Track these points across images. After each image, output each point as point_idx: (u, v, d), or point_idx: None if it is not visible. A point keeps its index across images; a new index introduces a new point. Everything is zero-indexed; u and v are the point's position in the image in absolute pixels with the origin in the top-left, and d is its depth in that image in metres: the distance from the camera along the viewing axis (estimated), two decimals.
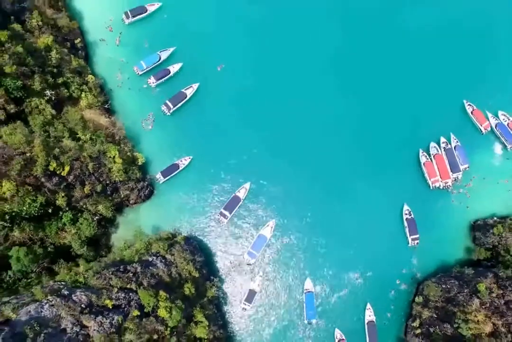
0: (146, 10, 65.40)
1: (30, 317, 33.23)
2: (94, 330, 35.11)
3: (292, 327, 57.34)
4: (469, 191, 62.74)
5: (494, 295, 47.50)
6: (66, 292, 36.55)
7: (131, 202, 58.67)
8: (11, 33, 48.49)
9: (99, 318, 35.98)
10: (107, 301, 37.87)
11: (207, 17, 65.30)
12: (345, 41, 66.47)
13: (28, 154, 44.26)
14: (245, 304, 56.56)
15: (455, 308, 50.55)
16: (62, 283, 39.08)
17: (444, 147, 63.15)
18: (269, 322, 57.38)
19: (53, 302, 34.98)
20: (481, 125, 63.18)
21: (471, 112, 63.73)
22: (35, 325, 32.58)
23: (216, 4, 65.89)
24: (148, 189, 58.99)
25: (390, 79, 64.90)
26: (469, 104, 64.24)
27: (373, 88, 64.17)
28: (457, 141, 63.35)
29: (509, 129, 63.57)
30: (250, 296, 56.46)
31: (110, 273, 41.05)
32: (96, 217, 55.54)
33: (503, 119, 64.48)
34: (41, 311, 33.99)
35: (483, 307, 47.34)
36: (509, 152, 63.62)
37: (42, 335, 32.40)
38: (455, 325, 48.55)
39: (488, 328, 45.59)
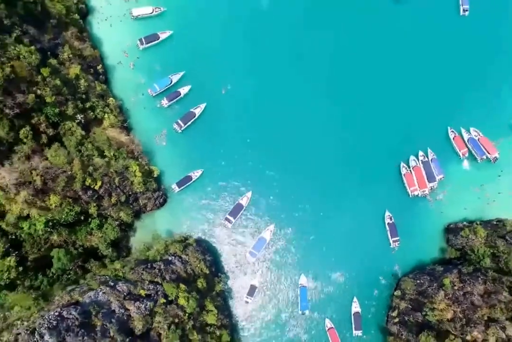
0: (159, 37, 76.60)
1: (91, 300, 45.27)
2: (134, 312, 47.18)
3: (288, 317, 69.38)
4: (444, 198, 74.71)
5: (456, 287, 59.45)
6: (112, 283, 48.59)
7: (148, 209, 70.32)
8: (50, 69, 59.73)
9: (137, 303, 48.02)
10: (141, 291, 49.81)
11: (213, 45, 76.54)
12: (339, 64, 77.85)
13: (69, 173, 55.91)
14: (248, 298, 68.47)
15: (425, 299, 62.54)
16: (106, 276, 51.06)
17: (422, 160, 74.93)
18: (268, 313, 69.39)
19: (104, 290, 46.98)
20: (460, 151, 74.69)
21: (453, 138, 75.20)
22: (95, 306, 44.52)
23: (222, 33, 77.06)
24: (163, 197, 70.69)
25: (380, 101, 76.15)
26: (452, 131, 75.65)
27: (363, 109, 75.60)
28: (433, 155, 75.14)
29: (479, 144, 75.35)
30: (252, 290, 68.38)
31: (141, 269, 53.12)
32: (117, 222, 67.31)
33: (475, 135, 76.21)
34: (97, 297, 46.05)
35: (447, 297, 59.29)
36: (479, 164, 75.44)
37: (100, 313, 44.44)
38: (424, 313, 60.58)
39: (449, 315, 57.56)
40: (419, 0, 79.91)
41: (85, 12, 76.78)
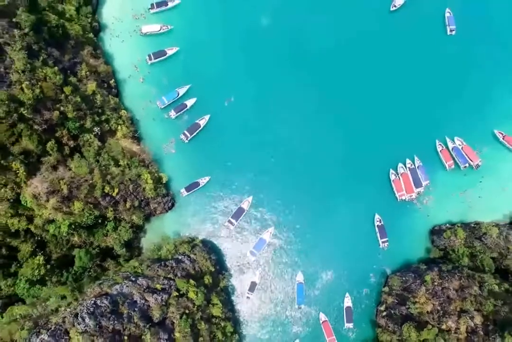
0: (166, 53, 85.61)
1: (118, 292, 54.63)
2: (152, 303, 56.55)
3: (286, 310, 78.76)
4: (429, 203, 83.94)
5: (435, 283, 68.70)
6: (133, 278, 58.01)
7: (157, 212, 79.54)
8: (72, 87, 68.78)
9: (154, 295, 57.34)
10: (157, 285, 59.07)
11: (217, 60, 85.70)
12: (336, 76, 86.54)
13: (90, 181, 65.07)
14: (249, 293, 77.78)
15: (409, 294, 71.92)
16: (128, 272, 60.34)
17: (409, 167, 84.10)
18: (267, 307, 78.78)
19: (127, 284, 56.31)
20: (446, 163, 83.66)
21: (440, 151, 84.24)
22: (122, 297, 53.70)
23: (224, 49, 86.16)
24: (171, 202, 79.91)
25: (371, 113, 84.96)
26: (439, 144, 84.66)
27: (356, 121, 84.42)
28: (419, 162, 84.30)
29: (463, 153, 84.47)
30: (252, 286, 77.68)
31: (157, 266, 62.53)
32: (129, 225, 76.53)
33: (459, 144, 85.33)
34: (122, 289, 55.42)
35: (427, 292, 68.59)
36: (462, 171, 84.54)
37: (126, 303, 53.74)
38: (407, 307, 69.94)
39: (429, 307, 66.85)
40: (410, 22, 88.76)
41: (98, 30, 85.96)
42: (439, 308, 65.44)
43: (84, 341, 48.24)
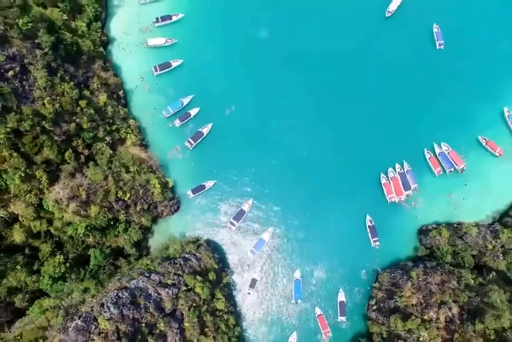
0: (171, 65, 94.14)
1: (135, 286, 63.61)
2: (164, 296, 65.51)
3: (284, 305, 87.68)
4: (417, 204, 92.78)
5: (420, 279, 77.61)
6: (147, 275, 66.98)
7: (164, 215, 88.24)
8: (86, 100, 77.31)
9: (166, 289, 66.26)
10: (168, 281, 67.90)
11: (218, 72, 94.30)
12: (329, 87, 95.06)
13: (105, 187, 73.72)
14: (249, 289, 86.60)
15: (396, 289, 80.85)
16: (142, 269, 69.24)
17: (398, 172, 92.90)
18: (266, 302, 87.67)
19: (142, 279, 65.25)
20: (435, 169, 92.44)
21: (429, 158, 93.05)
22: (138, 290, 62.58)
23: (225, 62, 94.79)
24: (177, 205, 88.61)
25: (363, 122, 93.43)
26: (428, 152, 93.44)
27: (349, 130, 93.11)
28: (408, 167, 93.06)
29: (449, 157, 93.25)
30: (253, 283, 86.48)
31: (167, 264, 71.47)
32: (138, 226, 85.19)
33: (445, 149, 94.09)
34: (139, 284, 64.44)
35: (412, 287, 77.50)
36: (448, 174, 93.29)
37: (142, 295, 62.71)
38: (394, 300, 78.84)
39: (413, 301, 75.82)
40: (401, 36, 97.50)
41: (106, 43, 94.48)
42: (422, 301, 74.41)
43: (110, 327, 57.39)
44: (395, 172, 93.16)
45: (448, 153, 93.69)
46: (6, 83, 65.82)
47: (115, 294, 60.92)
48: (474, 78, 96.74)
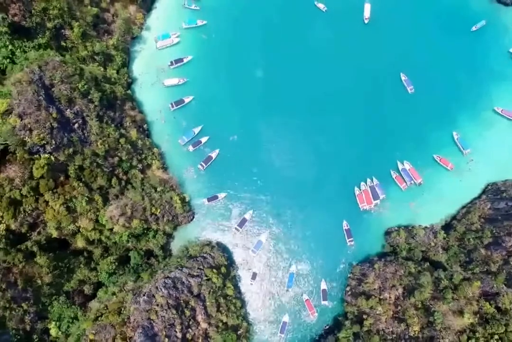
0: (184, 101, 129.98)
1: (173, 276, 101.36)
2: (193, 283, 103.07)
3: (278, 292, 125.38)
4: (384, 211, 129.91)
5: (381, 269, 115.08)
6: (180, 268, 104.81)
7: (182, 223, 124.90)
8: (124, 138, 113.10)
9: (193, 279, 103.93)
10: (194, 272, 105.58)
11: (223, 105, 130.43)
12: (315, 111, 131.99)
13: (142, 205, 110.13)
14: (251, 281, 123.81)
15: (364, 278, 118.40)
16: (175, 265, 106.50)
17: (369, 185, 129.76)
18: (265, 290, 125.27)
19: (178, 271, 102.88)
20: (401, 185, 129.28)
21: (395, 177, 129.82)
22: (176, 279, 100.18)
23: (229, 96, 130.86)
24: (192, 215, 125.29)
25: (341, 148, 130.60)
26: (393, 172, 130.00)
27: (328, 153, 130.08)
28: (377, 181, 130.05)
29: (409, 173, 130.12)
30: (254, 275, 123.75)
31: (192, 261, 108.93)
32: (162, 232, 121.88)
33: (407, 166, 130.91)
34: (176, 275, 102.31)
35: (375, 276, 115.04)
36: (409, 187, 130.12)
37: (179, 282, 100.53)
38: (362, 286, 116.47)
39: (375, 286, 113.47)
40: (372, 84, 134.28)
41: (130, 83, 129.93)
42: (381, 285, 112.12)
43: (163, 301, 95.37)
44: (366, 185, 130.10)
45: (409, 170, 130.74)
46: (74, 133, 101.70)
47: (163, 280, 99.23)
48: (430, 109, 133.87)
